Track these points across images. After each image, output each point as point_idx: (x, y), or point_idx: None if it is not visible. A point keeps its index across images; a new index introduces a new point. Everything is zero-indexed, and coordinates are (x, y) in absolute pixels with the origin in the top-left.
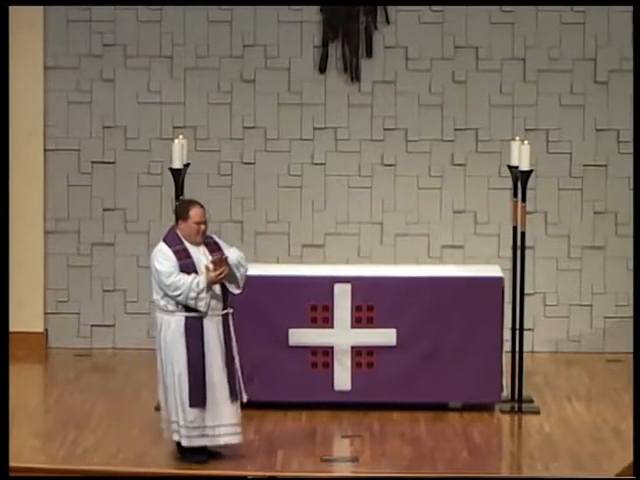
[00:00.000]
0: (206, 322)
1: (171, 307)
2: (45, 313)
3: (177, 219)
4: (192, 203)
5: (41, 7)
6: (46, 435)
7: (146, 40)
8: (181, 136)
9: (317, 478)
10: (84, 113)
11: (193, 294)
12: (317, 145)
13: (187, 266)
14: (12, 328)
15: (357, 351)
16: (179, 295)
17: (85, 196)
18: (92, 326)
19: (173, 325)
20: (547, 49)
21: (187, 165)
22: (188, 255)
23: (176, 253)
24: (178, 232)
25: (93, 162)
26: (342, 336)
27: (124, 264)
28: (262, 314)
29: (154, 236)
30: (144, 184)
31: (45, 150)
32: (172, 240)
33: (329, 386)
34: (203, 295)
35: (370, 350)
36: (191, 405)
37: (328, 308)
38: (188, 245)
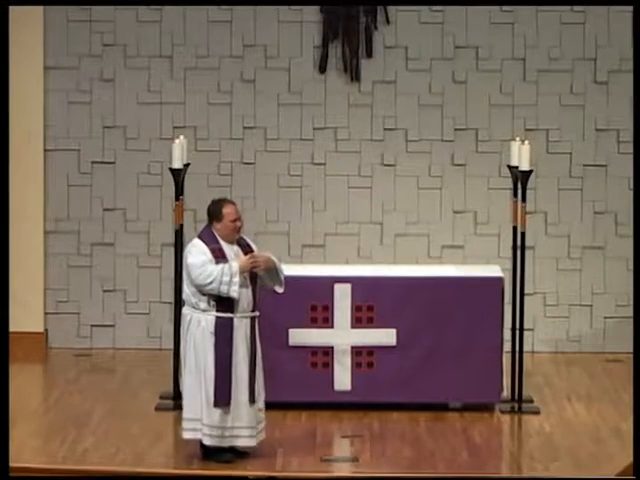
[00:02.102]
0: (236, 323)
1: (203, 305)
2: (45, 313)
3: (211, 220)
4: (224, 202)
5: (41, 7)
6: (46, 435)
7: (146, 40)
8: (181, 136)
9: (317, 478)
10: (84, 113)
11: (226, 278)
12: (317, 145)
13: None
14: (12, 328)
15: (357, 351)
16: (211, 282)
17: (85, 196)
18: (92, 326)
19: (203, 323)
20: (547, 49)
21: (187, 165)
22: (223, 255)
23: (212, 251)
24: (214, 231)
25: (93, 162)
26: (342, 336)
27: (124, 264)
28: (262, 314)
29: (154, 236)
30: (144, 184)
31: (45, 150)
32: (208, 238)
33: (329, 386)
34: (236, 279)
35: (370, 350)
36: (215, 405)
37: (328, 308)
38: (223, 244)
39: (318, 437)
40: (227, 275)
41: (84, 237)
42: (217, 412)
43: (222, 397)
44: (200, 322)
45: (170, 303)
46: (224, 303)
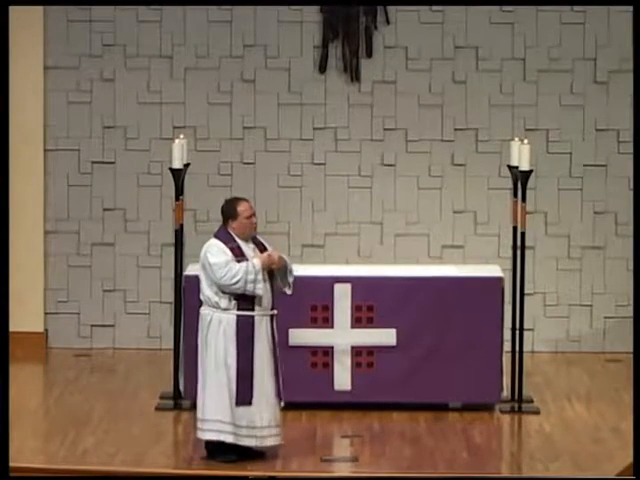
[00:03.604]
0: (257, 321)
1: (224, 305)
2: (45, 313)
3: (226, 219)
4: (237, 200)
5: (41, 7)
6: (46, 435)
7: (146, 40)
8: (181, 136)
9: (317, 478)
10: (84, 113)
11: (252, 276)
12: (317, 145)
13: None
14: (12, 328)
15: (357, 351)
16: (238, 281)
17: (85, 196)
18: (92, 326)
19: (224, 323)
20: (547, 49)
21: (187, 165)
22: (242, 253)
23: (231, 250)
24: (230, 231)
25: (93, 162)
26: (342, 336)
27: (124, 264)
28: None
29: (154, 236)
30: (144, 184)
31: (45, 150)
32: (225, 237)
33: (329, 386)
34: (260, 277)
35: (370, 350)
36: (237, 403)
37: (328, 308)
38: (240, 242)
39: (318, 437)
40: (252, 274)
41: (84, 237)
42: (242, 411)
43: (244, 396)
44: (221, 322)
45: (170, 303)
46: (245, 301)
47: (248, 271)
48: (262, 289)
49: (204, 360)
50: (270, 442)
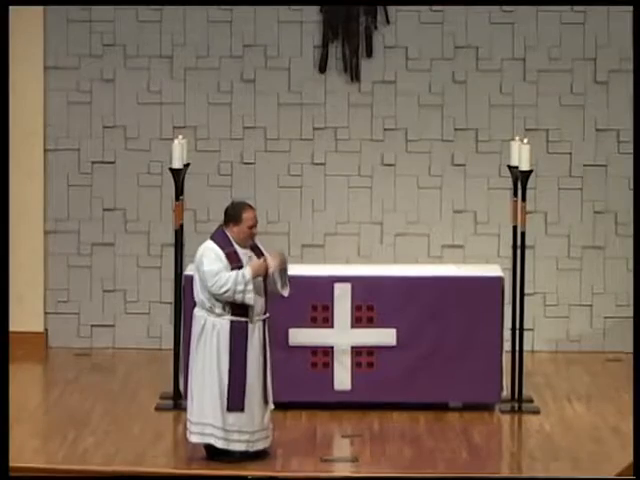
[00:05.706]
0: (250, 326)
1: (218, 310)
2: (45, 313)
3: (228, 222)
4: (244, 206)
5: (41, 7)
6: (46, 435)
7: (146, 40)
8: (181, 136)
9: (317, 478)
10: (84, 113)
11: (240, 287)
12: (317, 145)
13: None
14: (12, 328)
15: (357, 351)
16: (226, 291)
17: (85, 196)
18: (92, 326)
19: (218, 327)
20: (547, 49)
21: (187, 165)
22: (238, 259)
23: (227, 256)
24: (228, 234)
25: (93, 162)
26: (342, 336)
27: (124, 264)
28: None
29: (154, 236)
30: (144, 184)
31: (45, 150)
32: (223, 241)
33: (329, 386)
34: (250, 287)
35: (370, 350)
36: (229, 409)
37: (328, 308)
38: (237, 248)
39: (318, 437)
40: (241, 284)
41: (84, 237)
42: (232, 416)
43: (236, 402)
44: (215, 326)
45: (170, 303)
46: (239, 307)
47: (237, 281)
48: (252, 299)
49: (196, 362)
50: (260, 445)
